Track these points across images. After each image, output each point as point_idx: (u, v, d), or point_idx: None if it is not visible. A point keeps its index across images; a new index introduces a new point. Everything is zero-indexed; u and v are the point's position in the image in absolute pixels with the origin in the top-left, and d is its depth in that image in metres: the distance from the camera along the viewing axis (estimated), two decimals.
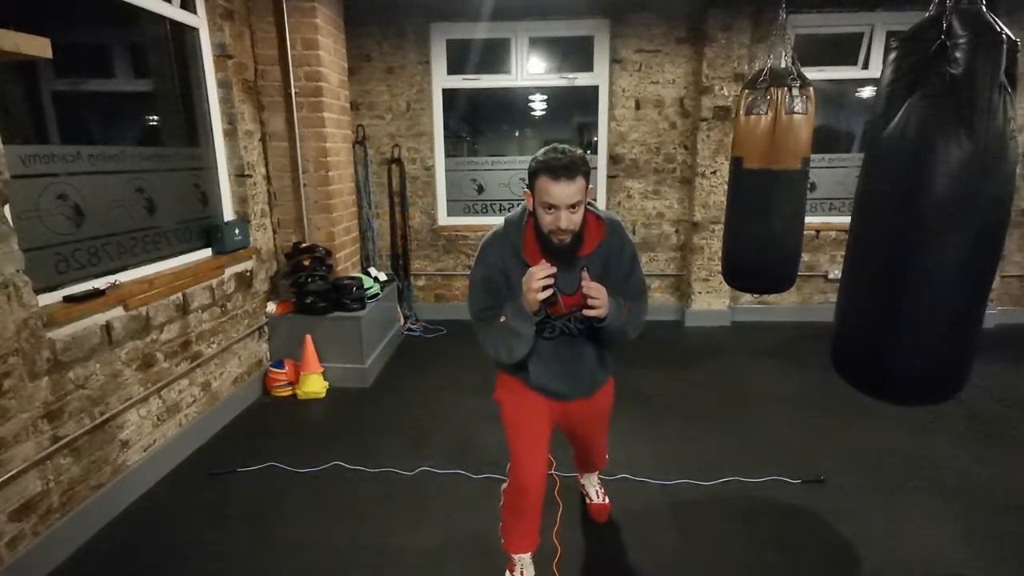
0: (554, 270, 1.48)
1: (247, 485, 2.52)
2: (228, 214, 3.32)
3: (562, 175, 1.42)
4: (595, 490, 2.31)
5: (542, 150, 1.48)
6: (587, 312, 1.53)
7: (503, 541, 1.90)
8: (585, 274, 1.54)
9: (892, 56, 1.44)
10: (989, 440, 2.81)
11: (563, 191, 1.43)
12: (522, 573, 1.87)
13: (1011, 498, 2.35)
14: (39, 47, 1.81)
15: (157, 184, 2.75)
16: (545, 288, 1.47)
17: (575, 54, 4.58)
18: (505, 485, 1.87)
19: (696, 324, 4.66)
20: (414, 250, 4.85)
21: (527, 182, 1.53)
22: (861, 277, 1.58)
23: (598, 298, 1.50)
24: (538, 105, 4.82)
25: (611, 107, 4.54)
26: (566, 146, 1.47)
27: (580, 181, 1.44)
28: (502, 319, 1.58)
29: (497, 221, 1.70)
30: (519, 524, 1.83)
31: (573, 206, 1.46)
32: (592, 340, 1.71)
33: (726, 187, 3.07)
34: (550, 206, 1.46)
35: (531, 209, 1.55)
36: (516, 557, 1.88)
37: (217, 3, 3.10)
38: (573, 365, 1.72)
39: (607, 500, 2.30)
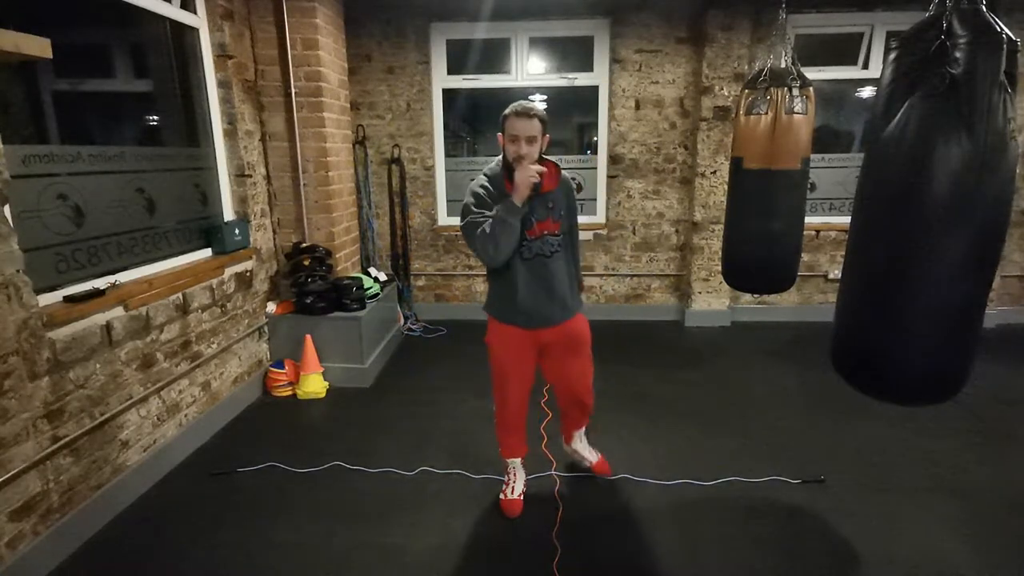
0: (543, 169, 1.95)
1: (247, 485, 2.52)
2: (228, 214, 3.32)
3: (522, 114, 1.93)
4: (588, 451, 2.54)
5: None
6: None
7: (500, 450, 2.38)
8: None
9: (892, 56, 1.44)
10: (989, 440, 2.81)
11: (523, 125, 1.93)
12: (514, 473, 2.37)
13: (1011, 498, 2.35)
14: (39, 47, 1.81)
15: (157, 184, 2.75)
16: (533, 178, 1.91)
17: (575, 54, 4.58)
18: (494, 408, 2.33)
19: (696, 324, 4.65)
20: (414, 250, 4.85)
21: (501, 129, 1.99)
22: (861, 277, 1.58)
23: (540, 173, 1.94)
24: (538, 105, 4.80)
25: (611, 107, 4.54)
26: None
27: (536, 122, 1.93)
28: (488, 222, 1.96)
29: None
30: (508, 437, 2.34)
31: (530, 140, 1.93)
32: (560, 265, 2.11)
33: (726, 187, 3.08)
34: (513, 138, 1.94)
35: (503, 150, 2.02)
36: (509, 461, 2.38)
37: (217, 3, 3.10)
38: (549, 284, 2.09)
39: (600, 455, 2.56)
